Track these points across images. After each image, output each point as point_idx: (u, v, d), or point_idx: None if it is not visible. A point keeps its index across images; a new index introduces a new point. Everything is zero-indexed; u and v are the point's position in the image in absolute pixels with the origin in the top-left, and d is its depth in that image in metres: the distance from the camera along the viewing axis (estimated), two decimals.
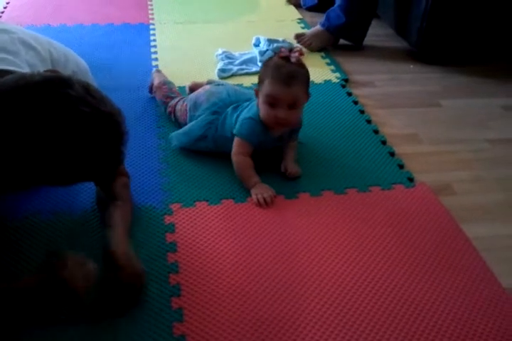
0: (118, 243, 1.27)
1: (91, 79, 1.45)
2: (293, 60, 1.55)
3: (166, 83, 1.98)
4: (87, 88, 1.02)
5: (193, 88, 1.96)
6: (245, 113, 1.65)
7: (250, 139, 1.62)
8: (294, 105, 1.57)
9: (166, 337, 1.17)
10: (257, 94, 1.62)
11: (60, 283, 1.11)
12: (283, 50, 1.58)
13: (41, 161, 1.00)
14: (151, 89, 2.04)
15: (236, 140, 1.64)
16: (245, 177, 1.61)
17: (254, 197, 1.56)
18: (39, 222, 1.47)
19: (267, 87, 1.56)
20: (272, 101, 1.56)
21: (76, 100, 0.98)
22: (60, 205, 1.52)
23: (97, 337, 1.17)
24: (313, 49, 2.47)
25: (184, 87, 2.05)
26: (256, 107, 1.62)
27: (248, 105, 1.68)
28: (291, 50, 1.59)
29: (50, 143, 0.98)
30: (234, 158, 1.63)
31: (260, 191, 1.56)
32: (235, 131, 1.64)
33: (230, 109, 1.69)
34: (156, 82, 1.99)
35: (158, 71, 2.09)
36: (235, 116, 1.67)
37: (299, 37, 2.48)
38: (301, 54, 1.58)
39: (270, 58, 1.63)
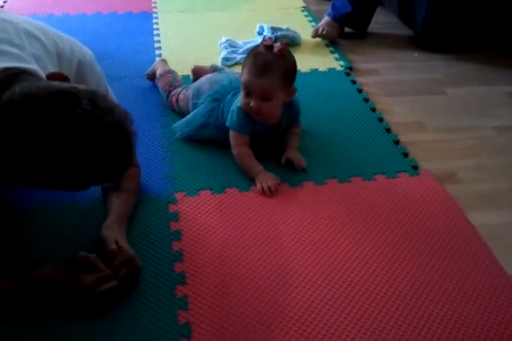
0: (107, 229, 1.30)
1: (97, 69, 1.44)
2: (275, 49, 1.53)
3: (170, 72, 1.97)
4: (93, 99, 1.01)
5: (197, 71, 1.96)
6: (236, 102, 1.64)
7: (243, 129, 1.62)
8: (266, 97, 1.55)
9: (170, 325, 1.18)
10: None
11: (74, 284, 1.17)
12: (267, 39, 1.56)
13: (51, 174, 1.01)
14: (151, 77, 2.04)
15: (231, 132, 1.64)
16: (248, 167, 1.61)
17: (258, 185, 1.55)
18: (45, 211, 1.47)
19: (242, 76, 1.56)
20: (246, 90, 1.55)
21: (82, 117, 0.98)
22: (65, 194, 1.51)
23: (101, 326, 1.18)
24: (334, 37, 2.45)
25: (187, 75, 2.04)
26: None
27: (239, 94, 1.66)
28: (275, 40, 1.57)
29: (58, 158, 0.98)
30: (233, 151, 1.63)
31: (264, 179, 1.56)
32: (227, 123, 1.63)
33: (229, 96, 1.68)
34: (160, 70, 1.98)
35: (163, 60, 2.08)
36: (232, 103, 1.67)
37: (317, 31, 2.44)
38: (284, 46, 1.54)
39: (255, 46, 1.61)
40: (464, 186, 1.62)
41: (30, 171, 1.01)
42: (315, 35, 2.44)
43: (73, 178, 1.03)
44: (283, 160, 1.65)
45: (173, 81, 1.92)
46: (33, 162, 0.98)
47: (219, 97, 1.70)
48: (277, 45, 1.53)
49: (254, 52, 1.56)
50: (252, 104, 1.55)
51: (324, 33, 2.42)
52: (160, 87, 1.95)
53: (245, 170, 1.61)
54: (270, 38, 1.58)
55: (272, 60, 1.53)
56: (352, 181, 1.61)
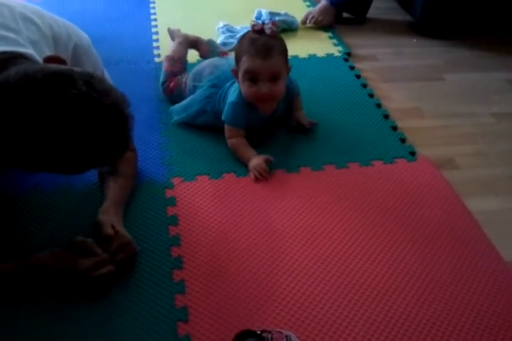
0: (104, 214, 1.30)
1: (93, 53, 1.43)
2: (268, 31, 1.52)
3: (183, 62, 1.93)
4: (89, 81, 1.00)
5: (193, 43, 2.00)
6: (230, 95, 1.62)
7: (237, 124, 1.61)
8: (275, 77, 1.54)
9: (167, 309, 1.18)
10: (235, 74, 1.58)
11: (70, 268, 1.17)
12: (256, 23, 1.55)
13: (48, 156, 1.00)
14: (171, 36, 2.07)
15: (226, 125, 1.63)
16: (241, 155, 1.60)
17: (251, 174, 1.55)
18: (41, 196, 1.47)
19: (245, 64, 1.53)
20: (252, 77, 1.53)
21: (79, 98, 0.98)
22: (61, 179, 1.51)
23: (98, 310, 1.18)
24: (325, 25, 2.42)
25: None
26: (238, 89, 1.60)
27: (235, 84, 1.65)
28: (263, 23, 1.56)
29: (55, 140, 0.98)
30: (228, 143, 1.63)
31: (254, 166, 1.55)
32: (223, 117, 1.62)
33: (228, 84, 1.67)
34: (177, 51, 1.94)
35: (186, 41, 2.01)
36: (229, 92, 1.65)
37: (306, 17, 2.43)
38: (275, 25, 1.55)
39: (244, 34, 1.60)
40: (462, 172, 1.62)
41: (26, 153, 1.00)
42: (302, 23, 2.42)
43: (69, 161, 1.02)
44: (294, 123, 1.70)
45: (180, 72, 1.87)
46: (29, 143, 0.98)
47: (217, 83, 1.68)
48: (268, 26, 1.53)
49: (248, 39, 1.54)
50: (262, 89, 1.53)
51: (313, 21, 2.40)
52: (163, 67, 1.91)
53: (240, 159, 1.60)
54: (258, 22, 1.57)
55: (270, 40, 1.53)
56: (349, 167, 1.60)
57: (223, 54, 1.95)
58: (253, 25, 1.55)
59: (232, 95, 1.62)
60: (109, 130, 1.02)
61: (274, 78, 1.53)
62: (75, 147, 1.00)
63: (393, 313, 1.18)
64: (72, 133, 0.98)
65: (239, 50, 1.57)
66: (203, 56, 2.01)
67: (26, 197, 1.46)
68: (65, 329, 1.14)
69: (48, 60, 1.11)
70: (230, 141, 1.63)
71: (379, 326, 1.16)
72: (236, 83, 1.63)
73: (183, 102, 1.74)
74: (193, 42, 2.02)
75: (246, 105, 1.59)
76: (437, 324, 1.16)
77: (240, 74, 1.55)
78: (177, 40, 2.02)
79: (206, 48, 1.98)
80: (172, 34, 2.08)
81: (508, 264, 1.31)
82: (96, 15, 2.46)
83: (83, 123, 0.98)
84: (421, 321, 1.17)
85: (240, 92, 1.59)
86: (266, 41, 1.52)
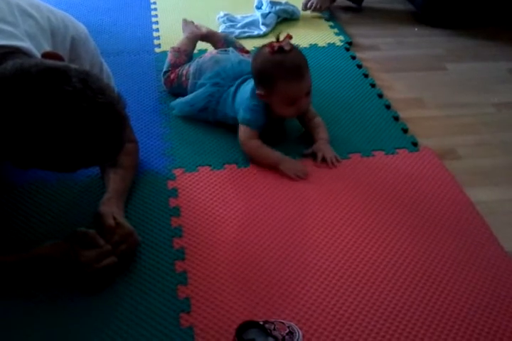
0: (105, 205, 1.30)
1: (91, 45, 1.41)
2: (287, 47, 1.48)
3: (189, 55, 1.90)
4: (85, 79, 0.99)
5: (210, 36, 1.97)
6: (246, 100, 1.59)
7: (257, 126, 1.58)
8: (308, 91, 1.54)
9: (170, 300, 1.19)
10: (263, 97, 1.54)
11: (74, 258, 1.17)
12: (273, 44, 1.49)
13: (36, 151, 0.99)
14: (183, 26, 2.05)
15: (242, 127, 1.59)
16: (265, 158, 1.56)
17: (292, 176, 1.52)
18: (42, 187, 1.47)
19: (283, 89, 1.49)
20: (293, 100, 1.52)
21: (73, 95, 0.96)
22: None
23: (101, 301, 1.19)
24: (324, 9, 2.41)
25: None
26: (255, 93, 1.56)
27: (246, 82, 1.64)
28: (278, 39, 1.51)
29: (44, 136, 0.97)
30: (245, 145, 1.58)
31: (293, 171, 1.53)
32: (240, 118, 1.59)
33: (233, 89, 1.65)
34: (183, 44, 1.92)
35: (196, 34, 1.99)
36: (236, 95, 1.64)
37: (306, 5, 2.41)
38: (290, 37, 1.51)
39: (260, 54, 1.53)
40: (463, 162, 1.62)
41: (14, 148, 0.99)
42: (303, 9, 2.42)
43: (58, 158, 1.01)
44: (310, 152, 1.60)
45: (183, 65, 1.84)
46: (18, 138, 0.97)
47: (219, 82, 1.67)
48: (286, 42, 1.49)
49: (276, 62, 1.48)
50: (301, 108, 1.56)
51: (312, 8, 2.39)
52: (168, 56, 1.89)
53: (263, 162, 1.56)
54: (272, 42, 1.51)
55: (295, 57, 1.50)
56: (351, 158, 1.60)
57: (242, 51, 1.89)
58: (270, 46, 1.49)
59: (247, 99, 1.58)
60: (101, 129, 1.00)
61: (307, 93, 1.54)
62: (64, 144, 0.98)
63: (395, 304, 1.19)
64: (63, 130, 0.96)
65: (267, 75, 1.50)
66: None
67: (27, 188, 1.46)
68: (65, 320, 1.15)
69: (46, 55, 1.10)
70: (248, 144, 1.57)
71: (381, 316, 1.16)
72: (247, 85, 1.62)
73: (185, 98, 1.73)
74: (206, 37, 1.99)
75: (264, 107, 1.57)
76: (440, 314, 1.17)
77: (277, 99, 1.52)
78: (185, 34, 2.00)
79: (221, 44, 1.95)
80: (183, 27, 2.06)
81: (509, 254, 1.31)
82: (94, 4, 2.44)
83: (75, 120, 0.97)
84: (423, 310, 1.18)
85: (255, 98, 1.56)
86: (293, 60, 1.49)
